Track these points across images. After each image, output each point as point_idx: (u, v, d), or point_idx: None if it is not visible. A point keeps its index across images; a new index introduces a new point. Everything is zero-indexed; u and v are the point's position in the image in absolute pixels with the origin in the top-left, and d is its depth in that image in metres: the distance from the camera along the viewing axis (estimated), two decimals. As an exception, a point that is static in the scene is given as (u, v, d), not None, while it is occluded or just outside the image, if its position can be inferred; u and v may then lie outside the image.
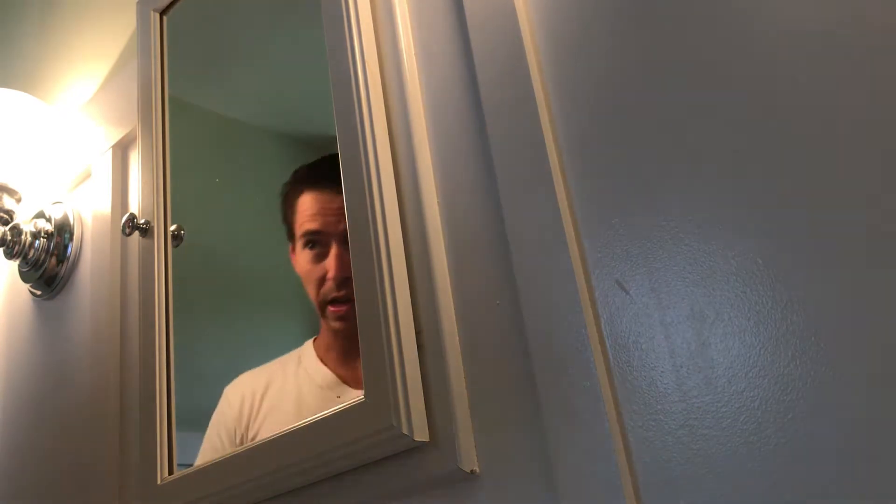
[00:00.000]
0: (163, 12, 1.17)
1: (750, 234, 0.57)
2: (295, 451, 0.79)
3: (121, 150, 1.29)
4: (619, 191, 0.65)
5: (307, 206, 0.92)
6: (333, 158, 0.86)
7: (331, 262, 0.86)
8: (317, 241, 0.89)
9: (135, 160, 1.23)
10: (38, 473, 1.28)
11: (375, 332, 0.74)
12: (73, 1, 1.56)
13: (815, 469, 0.51)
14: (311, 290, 0.89)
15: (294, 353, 0.91)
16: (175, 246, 1.05)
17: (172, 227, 1.05)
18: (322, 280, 0.87)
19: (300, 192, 0.93)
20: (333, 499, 0.77)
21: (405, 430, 0.69)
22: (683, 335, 0.58)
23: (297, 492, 0.81)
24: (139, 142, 1.12)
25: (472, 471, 0.68)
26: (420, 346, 0.73)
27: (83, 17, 1.51)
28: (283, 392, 0.89)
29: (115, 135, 1.28)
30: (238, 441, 0.90)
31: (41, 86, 1.57)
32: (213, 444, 0.93)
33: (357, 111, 0.82)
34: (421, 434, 0.70)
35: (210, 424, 0.95)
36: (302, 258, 0.90)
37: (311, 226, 0.90)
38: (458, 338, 0.73)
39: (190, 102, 1.15)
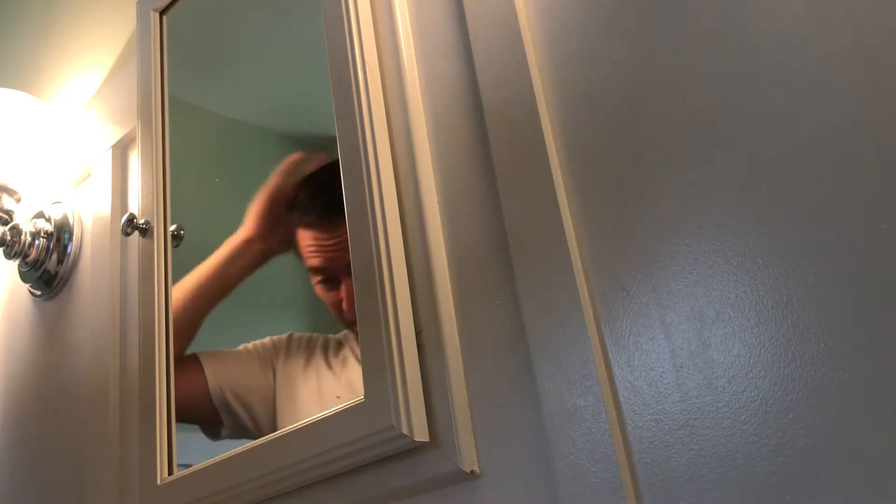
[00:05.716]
0: (163, 12, 1.17)
1: (750, 234, 0.57)
2: (295, 452, 0.79)
3: (121, 150, 1.29)
4: (619, 191, 0.65)
5: (306, 241, 0.93)
6: (317, 189, 0.88)
7: (344, 293, 0.88)
8: (325, 277, 0.91)
9: (135, 160, 1.23)
10: (39, 473, 1.28)
11: (375, 332, 0.74)
12: (73, 1, 1.56)
13: (815, 469, 0.51)
14: (334, 314, 0.90)
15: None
16: (175, 246, 1.05)
17: (172, 227, 1.05)
18: (339, 305, 0.88)
19: (296, 227, 0.94)
20: (333, 499, 0.77)
21: (405, 430, 0.69)
22: (683, 335, 0.58)
23: (297, 492, 0.81)
24: (139, 142, 1.12)
25: (472, 471, 0.68)
26: (420, 346, 0.73)
27: (83, 17, 1.51)
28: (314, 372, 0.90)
29: (115, 135, 1.28)
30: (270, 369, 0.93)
31: (41, 86, 1.57)
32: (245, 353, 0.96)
33: (357, 111, 0.82)
34: (421, 434, 0.70)
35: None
36: (318, 288, 0.92)
37: (314, 262, 0.92)
38: (458, 338, 0.73)
39: (190, 102, 1.15)
